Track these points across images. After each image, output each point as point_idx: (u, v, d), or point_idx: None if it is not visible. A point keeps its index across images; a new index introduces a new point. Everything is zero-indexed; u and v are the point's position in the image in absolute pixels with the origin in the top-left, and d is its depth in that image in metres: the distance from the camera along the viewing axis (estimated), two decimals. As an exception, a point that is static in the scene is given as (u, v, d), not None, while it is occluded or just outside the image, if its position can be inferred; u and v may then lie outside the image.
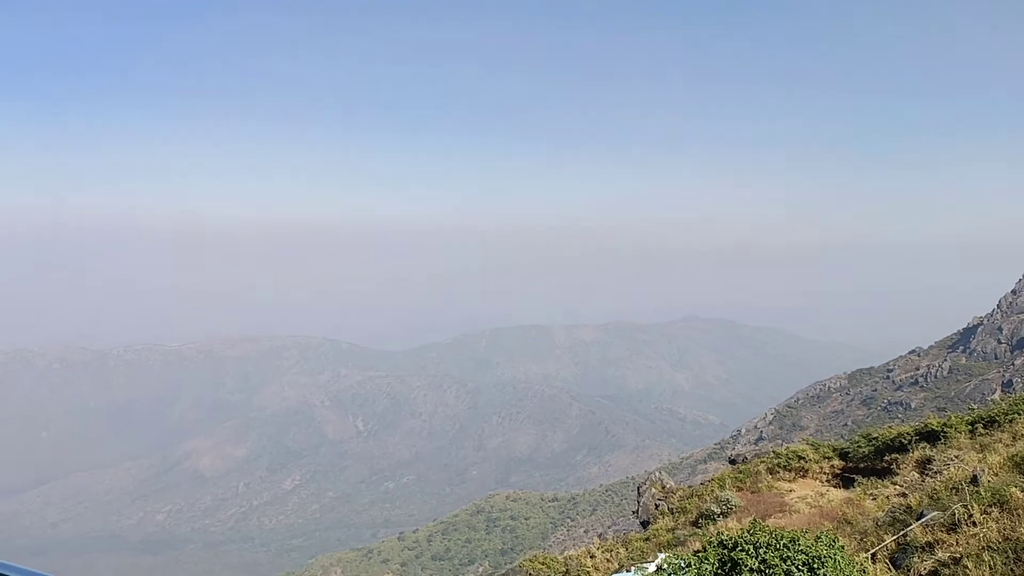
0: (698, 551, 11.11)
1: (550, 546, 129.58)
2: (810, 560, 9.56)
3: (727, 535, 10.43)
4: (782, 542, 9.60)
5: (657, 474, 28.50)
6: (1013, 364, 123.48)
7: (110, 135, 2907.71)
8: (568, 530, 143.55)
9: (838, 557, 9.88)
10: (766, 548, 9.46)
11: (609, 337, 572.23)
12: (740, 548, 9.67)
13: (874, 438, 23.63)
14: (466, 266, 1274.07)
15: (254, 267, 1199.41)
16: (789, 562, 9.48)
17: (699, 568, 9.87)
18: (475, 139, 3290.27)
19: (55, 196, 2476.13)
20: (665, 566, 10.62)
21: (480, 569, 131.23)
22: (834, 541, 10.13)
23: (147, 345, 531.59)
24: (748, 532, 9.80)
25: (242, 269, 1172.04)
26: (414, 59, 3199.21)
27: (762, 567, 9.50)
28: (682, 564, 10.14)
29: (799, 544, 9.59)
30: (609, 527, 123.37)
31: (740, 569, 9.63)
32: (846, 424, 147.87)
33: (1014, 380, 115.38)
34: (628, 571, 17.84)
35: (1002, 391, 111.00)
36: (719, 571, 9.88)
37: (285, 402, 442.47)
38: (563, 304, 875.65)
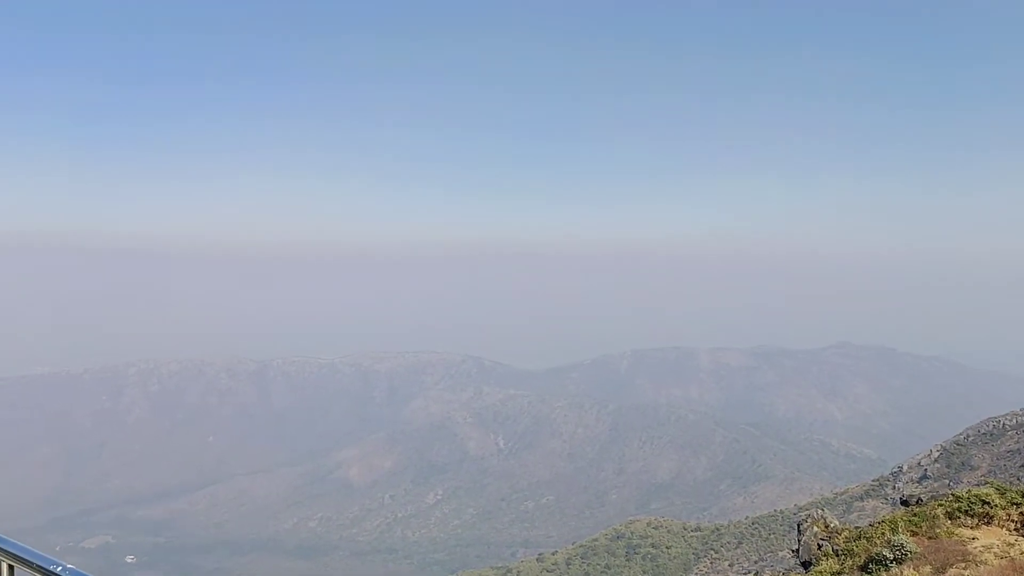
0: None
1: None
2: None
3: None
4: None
5: (820, 511, 26.99)
6: None
7: (274, 158, 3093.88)
8: (712, 563, 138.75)
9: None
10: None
11: (756, 362, 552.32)
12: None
13: (1072, 486, 21.40)
14: (610, 285, 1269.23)
15: (401, 284, 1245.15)
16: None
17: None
18: (615, 155, 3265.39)
19: (222, 222, 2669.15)
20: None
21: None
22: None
23: (304, 358, 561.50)
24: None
25: (390, 286, 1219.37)
26: (573, 76, 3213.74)
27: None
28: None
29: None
30: (756, 562, 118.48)
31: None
32: (1023, 466, 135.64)
33: None
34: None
35: None
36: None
37: (430, 417, 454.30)
38: (708, 327, 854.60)
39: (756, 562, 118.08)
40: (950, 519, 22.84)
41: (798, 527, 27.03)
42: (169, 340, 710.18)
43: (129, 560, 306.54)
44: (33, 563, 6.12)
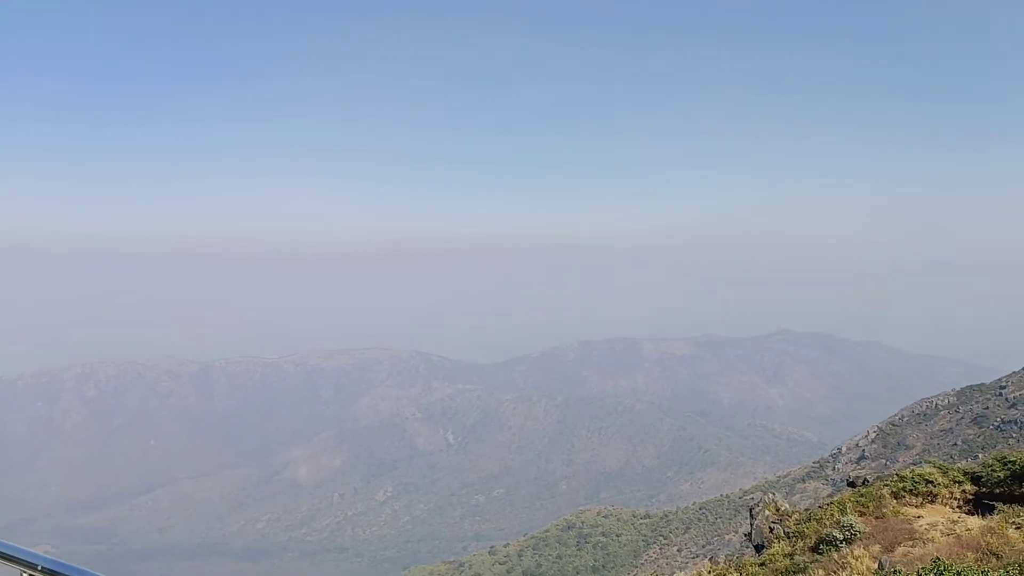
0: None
1: (643, 564, 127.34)
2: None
3: (921, 567, 9.64)
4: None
5: (771, 496, 27.45)
6: None
7: (214, 157, 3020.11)
8: (661, 548, 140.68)
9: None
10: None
11: (700, 351, 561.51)
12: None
13: (1011, 462, 22.08)
14: (555, 279, 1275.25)
15: (346, 281, 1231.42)
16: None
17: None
18: (558, 150, 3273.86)
19: (161, 220, 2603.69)
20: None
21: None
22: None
23: (248, 358, 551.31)
24: (932, 572, 9.02)
25: (334, 284, 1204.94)
26: (526, 70, 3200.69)
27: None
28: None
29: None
30: (704, 546, 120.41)
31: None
32: (955, 444, 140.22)
33: None
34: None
35: None
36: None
37: (378, 414, 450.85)
38: (652, 318, 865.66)
39: (704, 546, 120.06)
40: (896, 498, 23.40)
41: (750, 511, 27.44)
42: (107, 343, 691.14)
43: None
44: (12, 556, 5.94)
